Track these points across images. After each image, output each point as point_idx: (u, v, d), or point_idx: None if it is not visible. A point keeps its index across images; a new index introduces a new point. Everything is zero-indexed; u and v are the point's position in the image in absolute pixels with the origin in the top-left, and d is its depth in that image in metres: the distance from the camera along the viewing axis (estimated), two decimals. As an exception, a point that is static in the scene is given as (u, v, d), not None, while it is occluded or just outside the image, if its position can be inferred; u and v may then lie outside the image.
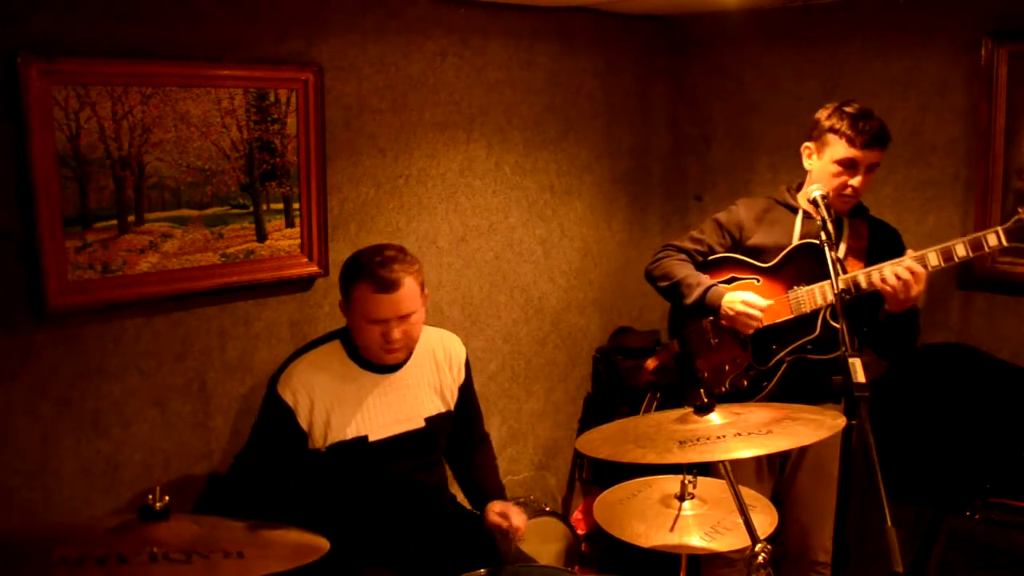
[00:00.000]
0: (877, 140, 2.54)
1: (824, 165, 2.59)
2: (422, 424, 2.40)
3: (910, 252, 2.48)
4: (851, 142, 2.53)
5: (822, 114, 2.61)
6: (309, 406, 2.27)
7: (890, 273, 2.43)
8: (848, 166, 2.55)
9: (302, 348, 2.43)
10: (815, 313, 2.60)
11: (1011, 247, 2.44)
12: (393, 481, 2.37)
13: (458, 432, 2.57)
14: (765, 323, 2.61)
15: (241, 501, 2.32)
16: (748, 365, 2.67)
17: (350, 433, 2.30)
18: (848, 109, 2.57)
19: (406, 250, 2.30)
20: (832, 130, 2.56)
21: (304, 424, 2.28)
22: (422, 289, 2.29)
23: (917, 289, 2.43)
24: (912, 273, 2.41)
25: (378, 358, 2.31)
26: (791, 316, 2.62)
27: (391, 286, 2.18)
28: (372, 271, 2.20)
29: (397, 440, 2.36)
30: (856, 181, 2.55)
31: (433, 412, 2.44)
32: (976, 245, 2.43)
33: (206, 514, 1.98)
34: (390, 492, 2.38)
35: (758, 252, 2.71)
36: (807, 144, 2.66)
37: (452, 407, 2.49)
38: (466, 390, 2.55)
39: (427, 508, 2.45)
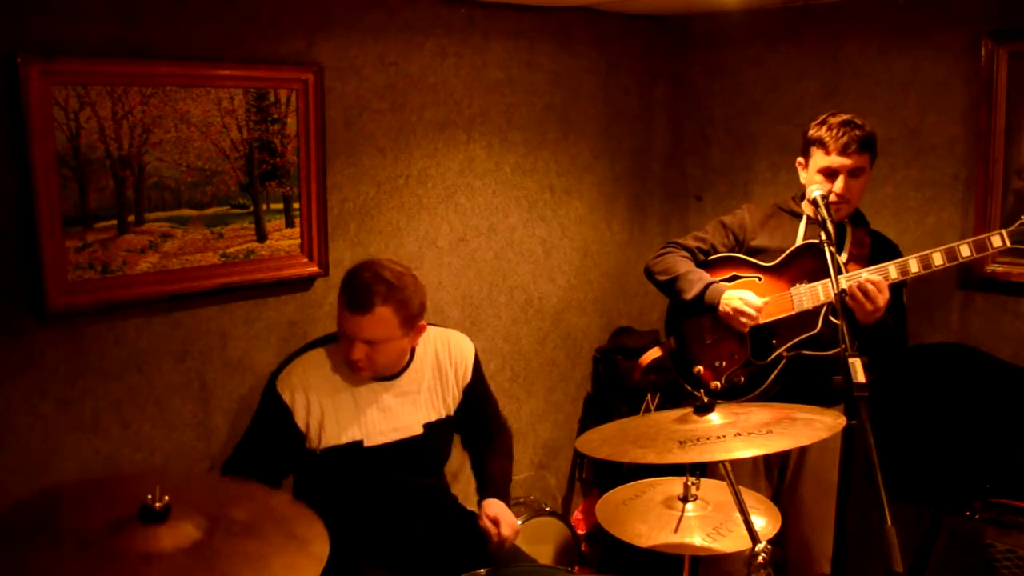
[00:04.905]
0: (850, 145, 2.56)
1: (811, 176, 2.64)
2: (420, 431, 2.38)
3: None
4: (826, 150, 2.58)
5: (809, 127, 2.66)
6: (306, 406, 2.26)
7: (852, 286, 2.46)
8: (828, 174, 2.59)
9: (305, 346, 2.42)
10: (817, 310, 2.61)
11: (1013, 248, 2.49)
12: (390, 487, 2.36)
13: (473, 428, 2.56)
14: (767, 319, 2.62)
15: None
16: (746, 361, 2.68)
17: (344, 438, 2.29)
18: (832, 120, 2.61)
19: (403, 277, 2.23)
20: (812, 141, 2.63)
21: (301, 424, 2.27)
22: (407, 319, 2.23)
23: (882, 299, 2.45)
24: (872, 284, 2.44)
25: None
26: (793, 312, 2.62)
27: (360, 308, 2.18)
28: (352, 288, 2.20)
29: (394, 447, 2.34)
30: (838, 187, 2.57)
31: (433, 418, 2.41)
32: (980, 246, 2.48)
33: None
34: (387, 497, 2.36)
35: (761, 253, 2.73)
36: (799, 159, 2.72)
37: (452, 412, 2.47)
38: (475, 388, 2.50)
39: (426, 512, 2.44)
